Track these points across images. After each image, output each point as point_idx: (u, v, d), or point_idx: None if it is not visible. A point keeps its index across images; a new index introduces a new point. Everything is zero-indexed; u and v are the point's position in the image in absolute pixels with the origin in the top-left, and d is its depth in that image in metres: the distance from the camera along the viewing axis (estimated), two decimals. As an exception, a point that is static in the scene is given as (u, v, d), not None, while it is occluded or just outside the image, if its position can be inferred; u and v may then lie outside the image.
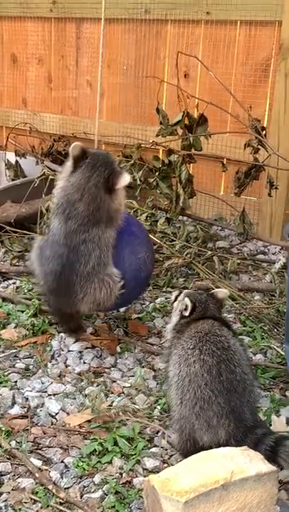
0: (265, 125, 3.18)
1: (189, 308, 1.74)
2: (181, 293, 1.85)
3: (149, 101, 3.88)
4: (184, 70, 3.65)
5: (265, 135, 2.86)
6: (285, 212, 3.19)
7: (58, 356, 2.21)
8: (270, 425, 1.84)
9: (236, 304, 2.60)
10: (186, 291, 1.87)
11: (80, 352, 2.24)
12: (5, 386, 2.01)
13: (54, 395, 1.99)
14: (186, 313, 1.74)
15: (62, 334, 2.34)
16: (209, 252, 2.93)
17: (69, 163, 2.05)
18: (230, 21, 3.46)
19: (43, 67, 4.37)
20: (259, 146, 2.76)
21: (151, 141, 3.07)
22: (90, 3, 3.95)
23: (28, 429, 1.82)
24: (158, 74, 3.73)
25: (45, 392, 2.00)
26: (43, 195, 3.01)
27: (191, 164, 3.20)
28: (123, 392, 2.02)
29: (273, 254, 3.29)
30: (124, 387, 2.04)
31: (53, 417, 1.89)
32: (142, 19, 3.78)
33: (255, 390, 1.64)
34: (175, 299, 1.86)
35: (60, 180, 2.06)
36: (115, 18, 3.87)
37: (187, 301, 1.74)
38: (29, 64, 4.43)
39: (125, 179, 1.99)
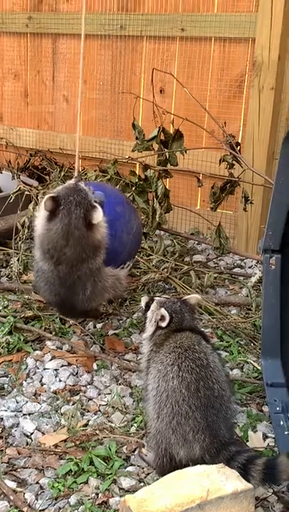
0: (239, 140, 3.22)
1: (167, 319, 1.72)
2: (152, 300, 1.83)
3: (125, 116, 3.91)
4: (160, 85, 3.69)
5: (239, 150, 2.90)
6: (261, 227, 3.22)
7: (34, 374, 2.19)
8: (247, 441, 1.84)
9: (213, 318, 2.60)
10: (158, 299, 1.84)
11: (56, 370, 2.22)
12: (-21, 406, 1.99)
13: (29, 414, 1.96)
14: (164, 325, 1.73)
15: (37, 352, 2.32)
16: (186, 267, 2.94)
17: (44, 213, 2.05)
18: (205, 38, 3.50)
19: (19, 82, 4.37)
20: (234, 162, 2.78)
21: (127, 156, 3.08)
22: (66, 18, 3.98)
23: (2, 450, 1.79)
24: (134, 89, 3.76)
25: (20, 411, 1.98)
26: (19, 211, 2.99)
27: (168, 179, 3.22)
28: (99, 411, 2.00)
29: (250, 267, 3.31)
30: (100, 405, 2.03)
31: (28, 436, 1.86)
32: (118, 35, 3.81)
33: (232, 406, 1.64)
34: (146, 307, 1.83)
35: (40, 227, 2.08)
36: (91, 34, 3.90)
37: (164, 312, 1.73)
38: (5, 79, 4.43)
39: (100, 213, 2.02)
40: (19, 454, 1.78)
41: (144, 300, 1.87)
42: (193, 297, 1.83)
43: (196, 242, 3.53)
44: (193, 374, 1.57)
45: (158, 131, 3.04)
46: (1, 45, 4.36)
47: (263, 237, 1.89)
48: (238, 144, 2.87)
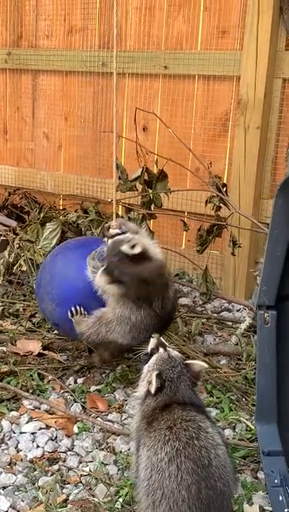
0: (225, 180, 3.13)
1: (154, 387, 1.55)
2: (157, 349, 1.64)
3: (107, 154, 3.80)
4: (143, 123, 3.60)
5: (226, 191, 2.79)
6: (249, 271, 3.10)
7: (9, 439, 2.01)
8: (243, 516, 1.68)
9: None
10: (160, 354, 1.62)
11: (33, 433, 2.04)
12: None
13: (3, 488, 1.78)
14: (151, 390, 1.56)
15: (13, 413, 2.14)
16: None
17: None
18: (189, 75, 3.43)
19: (-3, 118, 4.26)
20: (221, 204, 2.67)
21: (110, 200, 2.96)
22: (46, 55, 3.90)
23: (-29, 535, 1.60)
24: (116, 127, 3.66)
25: (-6, 485, 1.80)
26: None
27: (152, 220, 3.11)
28: (81, 482, 1.82)
29: (238, 311, 3.17)
30: (81, 475, 1.85)
31: (1, 516, 1.68)
32: (99, 72, 3.73)
33: (232, 497, 1.49)
34: (150, 354, 1.65)
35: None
36: (72, 70, 3.82)
37: (153, 378, 1.54)
38: (-17, 115, 4.32)
39: None
40: (-9, 538, 1.60)
41: (152, 343, 1.67)
42: (198, 364, 1.63)
43: (182, 284, 3.40)
44: (194, 476, 1.39)
45: (141, 172, 2.95)
46: (-21, 81, 4.26)
47: (256, 292, 1.76)
48: (224, 185, 2.77)
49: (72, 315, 2.20)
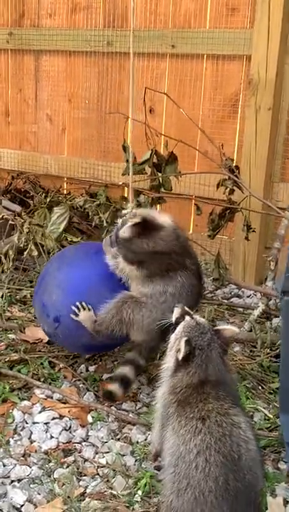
0: (234, 163, 3.04)
1: (182, 353, 1.46)
2: (183, 317, 1.57)
3: (112, 136, 3.71)
4: (150, 104, 3.49)
5: (236, 175, 2.71)
6: (262, 256, 3.03)
7: (22, 430, 1.95)
8: (266, 508, 1.63)
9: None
10: (188, 321, 1.55)
11: (47, 423, 1.98)
12: None
13: (18, 480, 1.73)
14: (180, 357, 1.48)
15: (25, 402, 2.08)
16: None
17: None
18: (197, 55, 3.33)
19: (-1, 100, 4.16)
20: (234, 187, 2.60)
21: (120, 183, 2.88)
22: (49, 34, 3.79)
23: (-12, 529, 1.55)
24: (121, 108, 3.56)
25: (8, 477, 1.74)
26: (2, 240, 2.74)
27: (160, 204, 3.03)
28: (98, 474, 1.77)
29: (248, 297, 3.12)
30: (98, 466, 1.80)
31: (18, 509, 1.63)
32: (104, 52, 3.62)
33: (260, 490, 1.44)
34: (176, 324, 1.57)
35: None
36: (76, 50, 3.71)
37: (182, 345, 1.47)
38: (-15, 97, 4.21)
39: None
40: (8, 533, 1.55)
41: (176, 312, 1.60)
42: (229, 330, 1.55)
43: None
44: (223, 468, 1.35)
45: (150, 154, 2.86)
46: (-20, 62, 4.14)
47: (281, 276, 1.69)
48: (237, 167, 2.69)
49: (77, 314, 2.03)
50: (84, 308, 2.02)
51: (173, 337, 1.56)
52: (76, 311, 2.02)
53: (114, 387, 2.05)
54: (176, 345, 1.52)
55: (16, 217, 2.56)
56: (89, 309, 2.02)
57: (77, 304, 2.02)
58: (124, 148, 2.92)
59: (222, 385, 1.48)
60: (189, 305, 1.91)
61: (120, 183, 2.89)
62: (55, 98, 3.91)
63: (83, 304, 2.02)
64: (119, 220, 2.07)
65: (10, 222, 2.56)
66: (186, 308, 1.61)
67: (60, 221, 2.68)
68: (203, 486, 1.35)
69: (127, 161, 2.92)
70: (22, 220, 2.52)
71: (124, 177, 2.99)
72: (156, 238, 1.96)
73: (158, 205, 3.05)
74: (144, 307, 1.98)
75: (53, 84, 3.89)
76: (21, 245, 2.45)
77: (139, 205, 2.83)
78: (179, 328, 1.55)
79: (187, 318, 1.56)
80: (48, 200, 2.92)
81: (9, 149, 4.10)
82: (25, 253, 2.47)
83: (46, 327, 2.18)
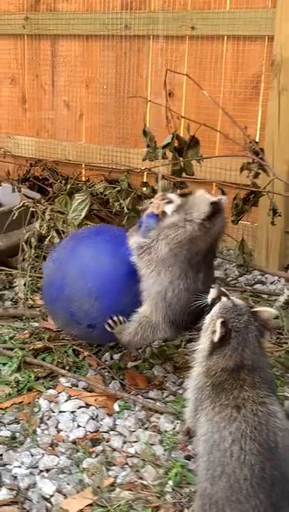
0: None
1: (218, 334, 1.42)
2: (219, 298, 1.52)
3: (131, 121, 3.66)
4: (168, 88, 3.42)
5: (261, 157, 2.65)
6: (285, 241, 2.97)
7: (48, 419, 1.93)
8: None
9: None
10: (224, 302, 1.49)
11: (73, 412, 1.96)
12: (-12, 462, 1.72)
13: (47, 470, 1.70)
14: (215, 339, 1.44)
15: (51, 391, 2.05)
16: (209, 287, 2.68)
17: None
18: (217, 36, 3.26)
19: (16, 87, 4.11)
20: (259, 170, 2.53)
21: (143, 168, 2.83)
22: (66, 18, 3.73)
23: (18, 520, 1.53)
24: (140, 93, 3.51)
25: (36, 467, 1.71)
26: (25, 228, 2.69)
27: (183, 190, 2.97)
28: (127, 464, 1.74)
29: (272, 283, 3.06)
30: (127, 456, 1.77)
31: (47, 500, 1.60)
32: (122, 35, 3.56)
33: None
34: (211, 305, 1.52)
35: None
36: (93, 34, 3.65)
37: (218, 326, 1.42)
38: (1, 84, 4.16)
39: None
40: (38, 523, 1.52)
41: (213, 292, 1.54)
42: (267, 312, 1.49)
43: (212, 256, 3.28)
44: (259, 457, 1.31)
45: (172, 138, 2.80)
46: (-4, 48, 4.10)
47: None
48: (261, 150, 2.62)
49: (112, 327, 1.95)
50: (121, 323, 1.94)
51: (208, 318, 1.51)
52: (112, 324, 1.95)
53: None
54: (211, 327, 1.47)
55: (37, 205, 2.52)
56: (125, 322, 1.94)
57: (114, 318, 1.94)
58: (145, 133, 2.86)
59: (258, 370, 1.43)
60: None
61: (143, 169, 2.83)
62: (72, 84, 3.86)
63: (120, 318, 1.94)
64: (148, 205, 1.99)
65: (31, 209, 2.51)
66: (223, 289, 1.56)
67: (81, 208, 2.63)
68: (239, 474, 1.32)
69: (148, 145, 2.87)
70: (43, 207, 2.48)
71: (146, 162, 2.94)
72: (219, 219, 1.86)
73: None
74: (157, 329, 1.91)
75: (70, 70, 3.84)
76: (43, 232, 2.41)
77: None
78: (215, 308, 1.50)
79: (224, 298, 1.52)
80: (68, 187, 2.87)
81: (26, 137, 4.07)
82: (46, 240, 2.43)
83: (76, 331, 2.07)
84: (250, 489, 1.31)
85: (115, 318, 1.94)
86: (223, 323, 1.43)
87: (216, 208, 1.82)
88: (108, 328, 1.94)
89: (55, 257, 2.07)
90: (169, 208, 1.90)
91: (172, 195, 1.95)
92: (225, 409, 1.37)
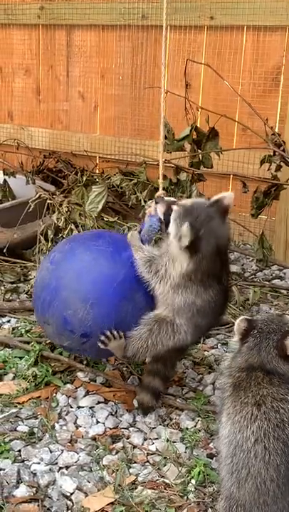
0: (278, 139, 2.92)
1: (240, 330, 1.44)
2: (249, 321, 1.47)
3: (146, 113, 3.60)
4: (186, 79, 3.37)
5: (284, 150, 2.59)
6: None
7: (66, 415, 1.89)
8: None
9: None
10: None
11: (92, 408, 1.92)
12: (7, 457, 1.68)
13: (66, 467, 1.66)
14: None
15: (68, 385, 2.02)
16: (228, 282, 2.63)
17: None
18: (237, 26, 3.19)
19: (30, 77, 4.06)
20: (282, 163, 2.48)
21: (163, 159, 2.77)
22: (81, 8, 3.67)
23: (39, 518, 1.49)
24: (157, 84, 3.44)
25: (56, 464, 1.68)
26: (41, 219, 2.65)
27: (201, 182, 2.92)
28: (148, 461, 1.70)
29: (290, 278, 3.01)
30: (148, 454, 1.73)
31: (67, 498, 1.56)
32: (139, 25, 3.49)
33: None
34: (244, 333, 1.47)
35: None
36: (109, 24, 3.59)
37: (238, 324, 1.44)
38: (15, 75, 4.11)
39: None
40: (59, 522, 1.48)
41: (239, 324, 1.48)
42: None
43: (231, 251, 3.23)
44: (283, 456, 1.27)
45: (190, 130, 2.74)
46: (10, 38, 4.04)
47: None
48: (283, 142, 2.56)
49: (106, 343, 1.75)
50: (114, 338, 1.75)
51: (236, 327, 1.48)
52: (105, 340, 1.75)
53: (146, 398, 1.89)
54: (238, 328, 1.44)
55: (54, 196, 2.47)
56: (120, 337, 1.75)
57: (108, 333, 1.75)
58: (164, 124, 2.80)
59: (277, 373, 1.40)
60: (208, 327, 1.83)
61: (164, 160, 2.77)
62: (88, 74, 3.80)
63: (114, 332, 1.75)
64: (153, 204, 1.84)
65: (48, 201, 2.47)
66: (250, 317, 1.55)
67: (98, 200, 2.59)
68: (264, 475, 1.28)
69: (166, 137, 2.81)
70: (60, 200, 2.43)
71: (164, 154, 2.88)
72: (224, 226, 1.72)
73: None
74: (177, 331, 1.75)
75: (85, 60, 3.79)
76: (60, 225, 2.36)
77: (178, 181, 2.73)
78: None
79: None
80: (84, 179, 2.83)
81: (40, 128, 4.02)
82: (64, 233, 2.38)
83: (68, 342, 1.83)
84: (277, 491, 1.27)
85: (108, 333, 1.74)
86: (246, 320, 1.43)
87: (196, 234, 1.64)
88: (101, 346, 1.75)
89: (53, 257, 1.87)
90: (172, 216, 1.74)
91: (170, 199, 1.83)
92: (246, 408, 1.34)
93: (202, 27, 3.31)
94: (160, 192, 2.01)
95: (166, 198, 1.85)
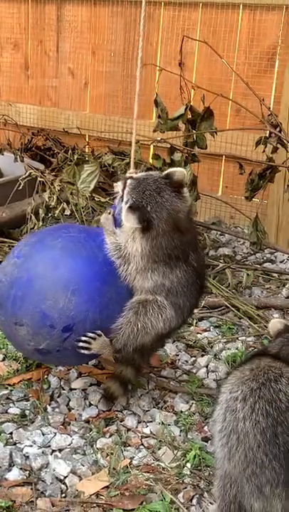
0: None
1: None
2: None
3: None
4: (179, 58, 3.30)
5: (280, 131, 2.55)
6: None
7: (58, 397, 1.86)
8: None
9: (255, 324, 2.29)
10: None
11: (84, 390, 1.89)
12: (-2, 440, 1.65)
13: (59, 450, 1.63)
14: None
15: (60, 367, 1.98)
16: (221, 265, 2.61)
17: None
18: (233, 4, 3.13)
19: (18, 52, 3.95)
20: (278, 145, 2.44)
21: (159, 138, 2.72)
22: (73, -19, 3.57)
23: (32, 501, 1.46)
24: (149, 61, 3.37)
25: (49, 446, 1.65)
26: (33, 198, 2.59)
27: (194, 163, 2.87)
28: (142, 444, 1.68)
29: (281, 262, 2.99)
30: (142, 436, 1.70)
31: (61, 481, 1.54)
32: (132, 1, 3.41)
33: None
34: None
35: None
36: (102, -1, 3.51)
37: None
38: (3, 49, 4.01)
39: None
40: (53, 505, 1.45)
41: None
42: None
43: (219, 233, 3.20)
44: (269, 418, 1.26)
45: (185, 109, 2.69)
46: (-2, 11, 3.93)
47: None
48: (280, 123, 2.52)
49: (88, 347, 1.63)
50: (93, 338, 1.63)
51: None
52: (86, 345, 1.63)
53: (114, 387, 1.83)
54: None
55: (45, 175, 2.41)
56: (99, 335, 1.63)
57: (85, 338, 1.62)
58: (156, 103, 2.75)
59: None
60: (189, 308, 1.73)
61: (159, 139, 2.73)
62: (78, 50, 3.71)
63: (90, 334, 1.62)
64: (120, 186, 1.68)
65: (39, 179, 2.41)
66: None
67: (90, 179, 2.53)
68: (252, 441, 1.27)
69: (159, 116, 2.76)
70: (52, 178, 2.37)
71: (157, 133, 2.83)
72: (179, 206, 1.63)
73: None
74: (163, 307, 1.65)
75: (76, 36, 3.70)
76: (52, 204, 2.31)
77: (172, 161, 2.69)
78: None
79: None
80: (75, 157, 2.76)
81: (29, 104, 3.93)
82: (56, 212, 2.33)
83: (46, 343, 1.63)
84: (264, 459, 1.27)
85: (85, 337, 1.62)
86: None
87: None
88: (84, 351, 1.62)
89: (18, 251, 1.71)
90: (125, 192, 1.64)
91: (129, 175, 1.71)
92: (241, 371, 1.36)
93: (197, 4, 3.24)
94: (132, 170, 1.84)
95: (129, 174, 1.73)
